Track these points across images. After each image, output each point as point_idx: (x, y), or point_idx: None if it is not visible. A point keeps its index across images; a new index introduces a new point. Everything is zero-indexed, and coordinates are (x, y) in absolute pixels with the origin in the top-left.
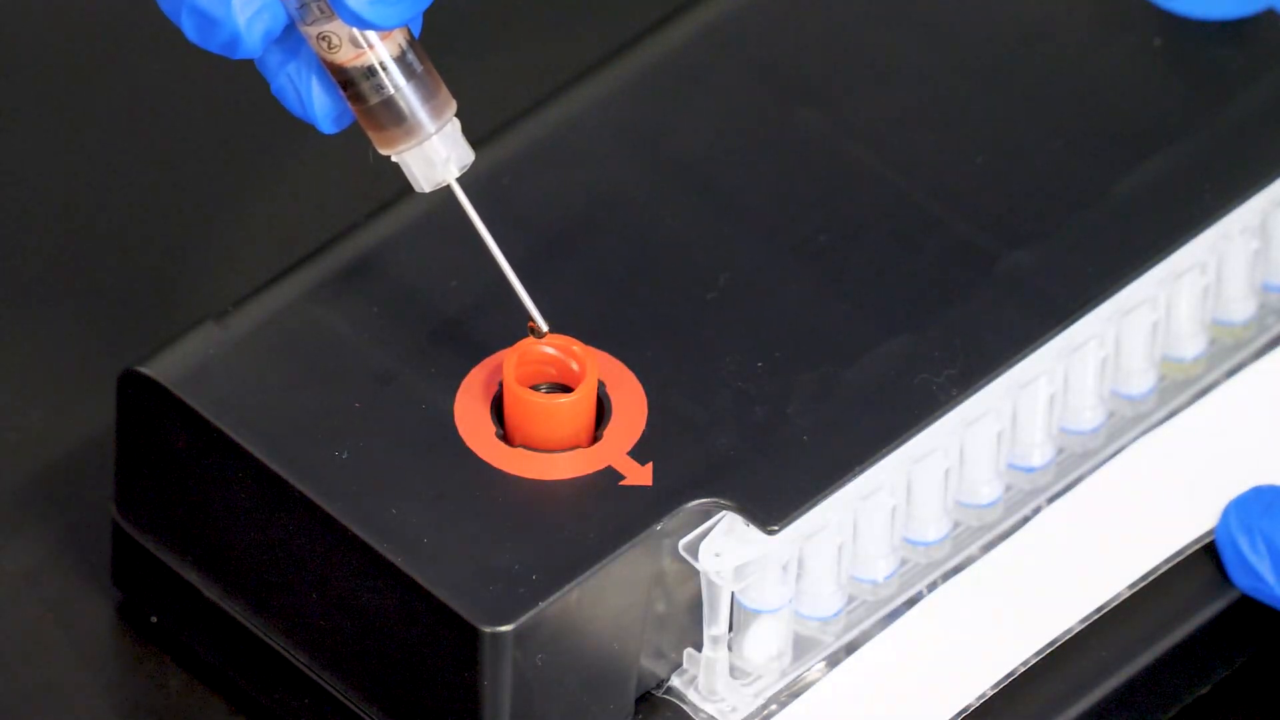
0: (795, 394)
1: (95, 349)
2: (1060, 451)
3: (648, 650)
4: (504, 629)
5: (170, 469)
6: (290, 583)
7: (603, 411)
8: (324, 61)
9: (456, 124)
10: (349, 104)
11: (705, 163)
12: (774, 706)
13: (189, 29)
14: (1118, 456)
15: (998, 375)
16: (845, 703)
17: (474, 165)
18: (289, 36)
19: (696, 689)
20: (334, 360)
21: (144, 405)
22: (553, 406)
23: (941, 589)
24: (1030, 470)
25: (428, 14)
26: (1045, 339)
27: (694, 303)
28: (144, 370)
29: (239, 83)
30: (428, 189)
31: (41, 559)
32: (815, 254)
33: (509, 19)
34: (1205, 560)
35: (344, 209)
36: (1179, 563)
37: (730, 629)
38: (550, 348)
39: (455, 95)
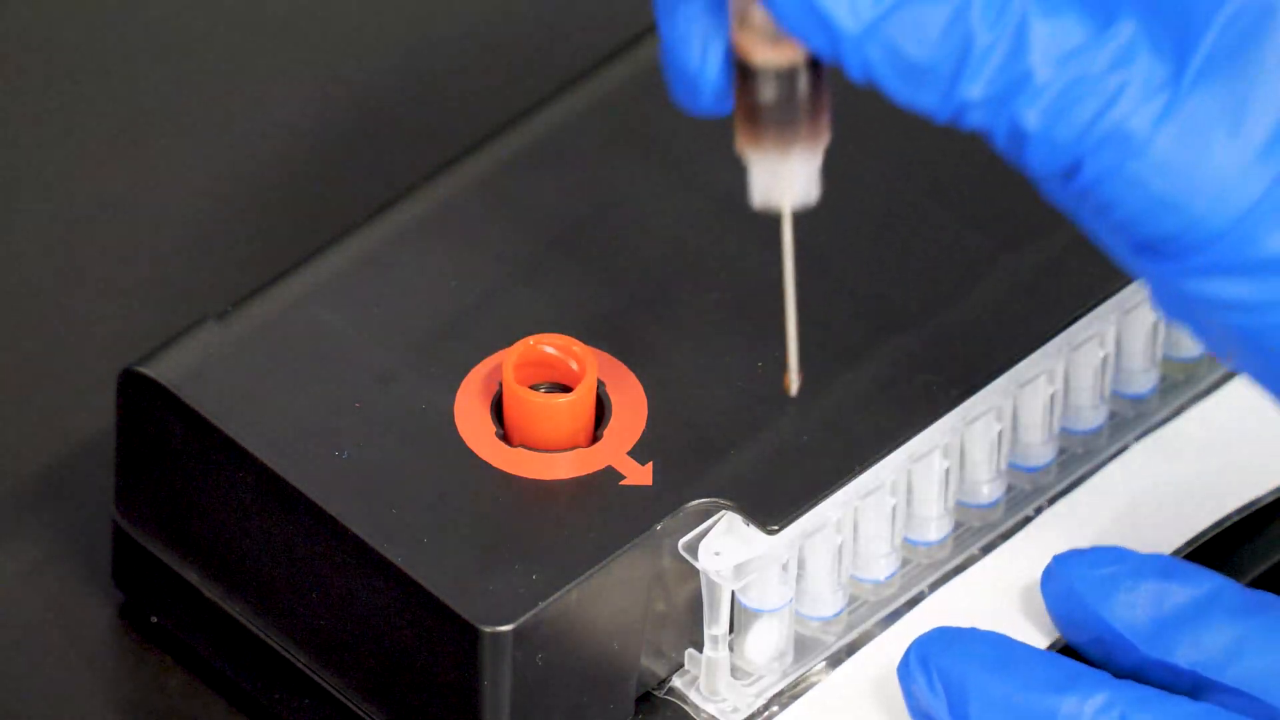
0: (795, 394)
1: (95, 349)
2: (1061, 452)
3: (648, 650)
4: (504, 629)
5: (170, 469)
6: (290, 583)
7: (603, 411)
8: (734, 38)
9: (820, 156)
10: (736, 89)
11: (705, 162)
12: (775, 707)
13: None
14: (1119, 457)
15: (998, 375)
16: (847, 703)
17: (474, 165)
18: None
19: (698, 689)
20: (334, 360)
21: (144, 405)
22: (552, 406)
23: (942, 589)
24: (1031, 470)
25: (431, 12)
26: (1045, 339)
27: (694, 303)
28: (144, 370)
29: (239, 82)
30: (758, 205)
31: (41, 559)
32: (815, 254)
33: (509, 19)
34: (1206, 561)
35: (344, 209)
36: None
37: (731, 629)
38: (550, 347)
39: (453, 95)
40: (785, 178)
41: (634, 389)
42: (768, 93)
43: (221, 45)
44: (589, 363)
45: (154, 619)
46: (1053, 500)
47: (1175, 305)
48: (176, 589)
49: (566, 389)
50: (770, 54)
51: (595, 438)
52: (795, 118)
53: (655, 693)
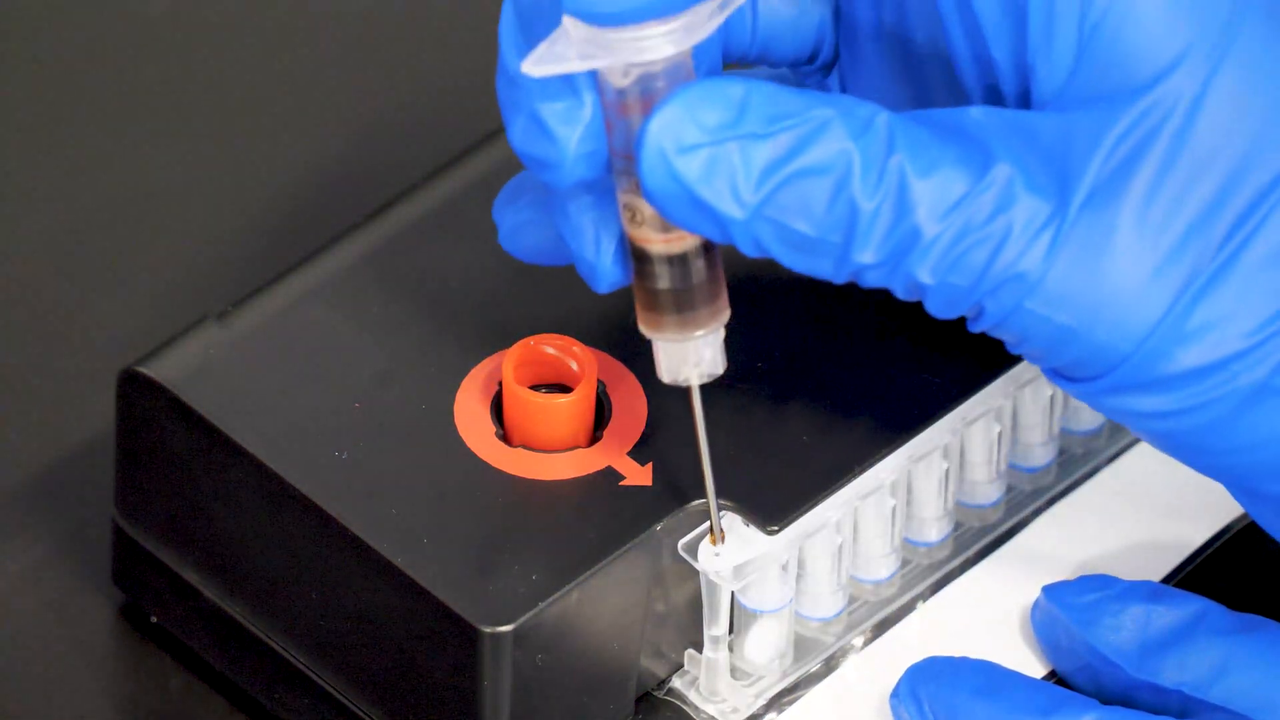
0: (795, 394)
1: (95, 349)
2: (1061, 452)
3: (648, 650)
4: (504, 629)
5: (170, 469)
6: (290, 583)
7: (603, 411)
8: (625, 230)
9: (721, 332)
10: (634, 276)
11: None
12: (775, 708)
13: (517, 131)
14: (1118, 458)
15: (998, 375)
16: (847, 704)
17: (475, 165)
18: (607, 188)
19: (697, 689)
20: (334, 360)
21: (144, 405)
22: (552, 406)
23: (943, 590)
24: (1031, 471)
25: (432, 14)
26: None
27: None
28: (144, 370)
29: (240, 82)
30: (667, 380)
31: (41, 559)
32: None
33: None
34: (1203, 568)
35: (344, 209)
36: (1178, 569)
37: (731, 630)
38: (550, 348)
39: (453, 95)
40: (690, 356)
41: (634, 389)
42: (664, 279)
43: (223, 47)
44: (589, 363)
45: (154, 619)
46: (1052, 501)
47: (1101, 410)
48: (176, 589)
49: (566, 389)
50: (663, 243)
51: (595, 438)
52: (693, 301)
53: (655, 693)
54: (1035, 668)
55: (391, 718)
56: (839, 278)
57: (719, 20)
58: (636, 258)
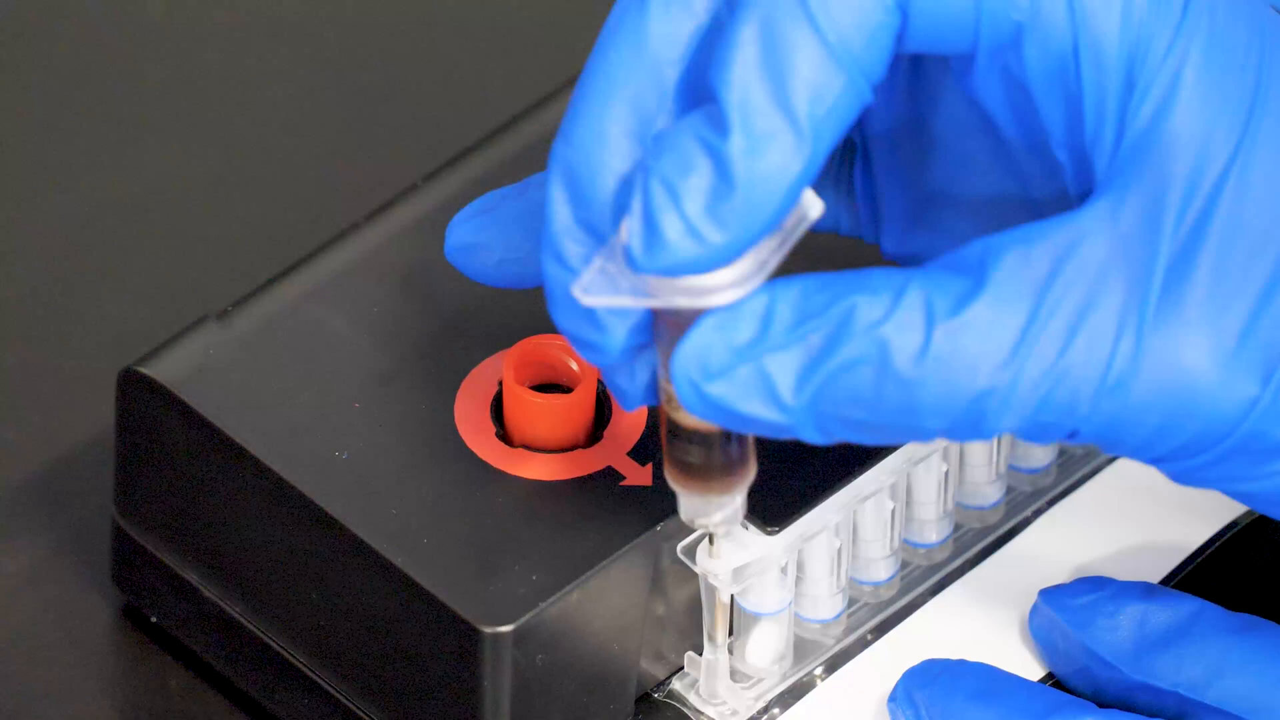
0: None
1: (95, 349)
2: (1061, 454)
3: (647, 652)
4: (504, 629)
5: (170, 469)
6: (290, 583)
7: (603, 411)
8: (660, 405)
9: (745, 490)
10: (663, 435)
11: None
12: (775, 709)
13: (562, 312)
14: (1119, 460)
15: None
16: (846, 706)
17: (473, 164)
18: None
19: (697, 691)
20: (334, 360)
21: (144, 405)
22: (552, 406)
23: (943, 592)
24: (1031, 472)
25: (433, 12)
26: None
27: None
28: (144, 370)
29: (240, 82)
30: (685, 521)
31: (41, 559)
32: (820, 250)
33: (511, 18)
34: (1203, 568)
35: (344, 209)
36: (1177, 570)
37: (731, 632)
38: (550, 348)
39: (453, 95)
40: (713, 509)
41: None
42: (694, 455)
43: (221, 45)
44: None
45: (154, 619)
46: (1052, 502)
47: (1192, 483)
48: (176, 589)
49: (566, 389)
50: (696, 421)
51: (595, 438)
52: (718, 472)
53: (654, 695)
54: (1035, 670)
55: (391, 718)
56: (925, 439)
57: (780, 257)
58: (669, 427)
